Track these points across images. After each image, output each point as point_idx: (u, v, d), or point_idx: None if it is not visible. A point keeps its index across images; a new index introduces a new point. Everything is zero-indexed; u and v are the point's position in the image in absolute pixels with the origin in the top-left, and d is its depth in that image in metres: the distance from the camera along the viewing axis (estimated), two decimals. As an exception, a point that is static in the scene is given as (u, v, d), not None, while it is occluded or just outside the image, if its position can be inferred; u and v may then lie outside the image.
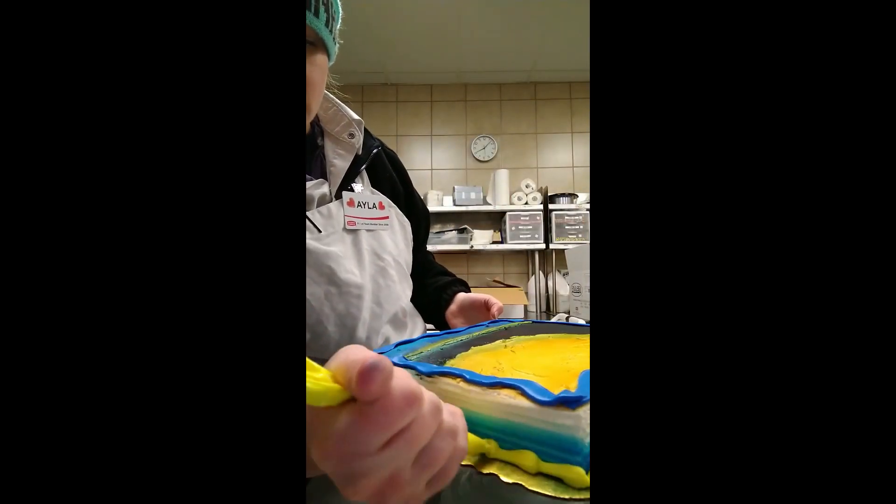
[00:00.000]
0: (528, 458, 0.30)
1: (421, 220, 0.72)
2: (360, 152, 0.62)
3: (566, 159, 3.06)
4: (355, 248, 0.59)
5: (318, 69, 0.49)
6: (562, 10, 2.29)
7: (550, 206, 2.71)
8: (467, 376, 0.33)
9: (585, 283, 1.93)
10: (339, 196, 0.60)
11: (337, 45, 0.52)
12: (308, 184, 0.57)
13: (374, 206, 0.62)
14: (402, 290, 0.65)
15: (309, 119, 0.54)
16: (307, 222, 0.55)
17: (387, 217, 0.63)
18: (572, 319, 1.90)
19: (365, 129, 0.64)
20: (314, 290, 0.54)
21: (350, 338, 0.58)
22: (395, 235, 0.65)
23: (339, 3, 0.51)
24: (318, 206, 0.57)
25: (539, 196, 2.80)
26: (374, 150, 0.64)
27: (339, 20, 0.52)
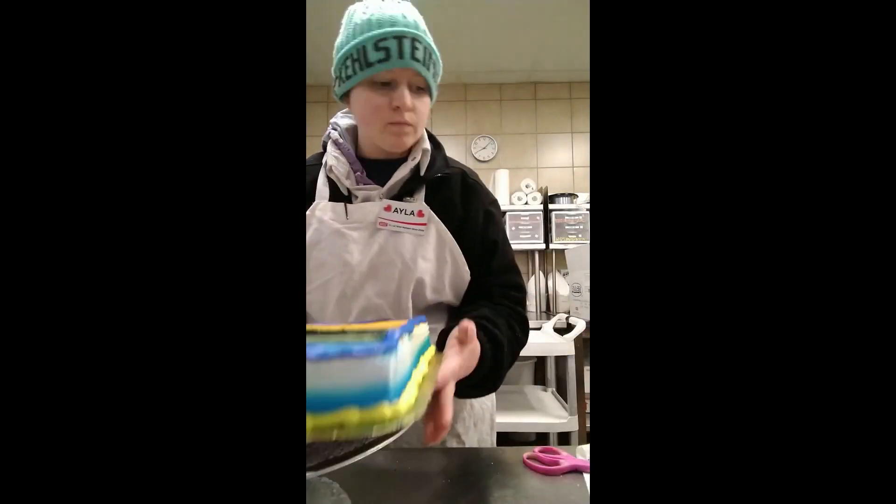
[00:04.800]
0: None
1: (476, 247, 0.76)
2: (424, 172, 0.73)
3: (566, 159, 3.06)
4: (370, 239, 0.70)
5: (426, 105, 0.69)
6: (562, 10, 2.29)
7: (550, 206, 2.71)
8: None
9: (585, 283, 1.93)
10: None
11: (436, 91, 0.72)
12: (366, 187, 0.72)
13: (412, 213, 0.71)
14: (398, 289, 0.69)
15: (416, 137, 0.71)
16: (341, 208, 0.70)
17: (423, 224, 0.71)
18: (572, 320, 1.90)
19: (445, 156, 0.77)
20: (318, 256, 0.69)
21: (327, 302, 0.70)
22: (425, 244, 0.71)
23: (440, 62, 0.70)
24: (361, 202, 0.71)
25: (539, 196, 2.80)
26: (439, 174, 0.74)
27: (440, 73, 0.71)
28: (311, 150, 0.77)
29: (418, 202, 0.72)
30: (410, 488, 0.50)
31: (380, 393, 0.31)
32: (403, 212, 0.70)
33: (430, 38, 0.66)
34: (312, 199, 0.73)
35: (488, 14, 2.30)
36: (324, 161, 0.74)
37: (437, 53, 0.68)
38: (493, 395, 0.82)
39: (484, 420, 0.79)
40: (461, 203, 0.75)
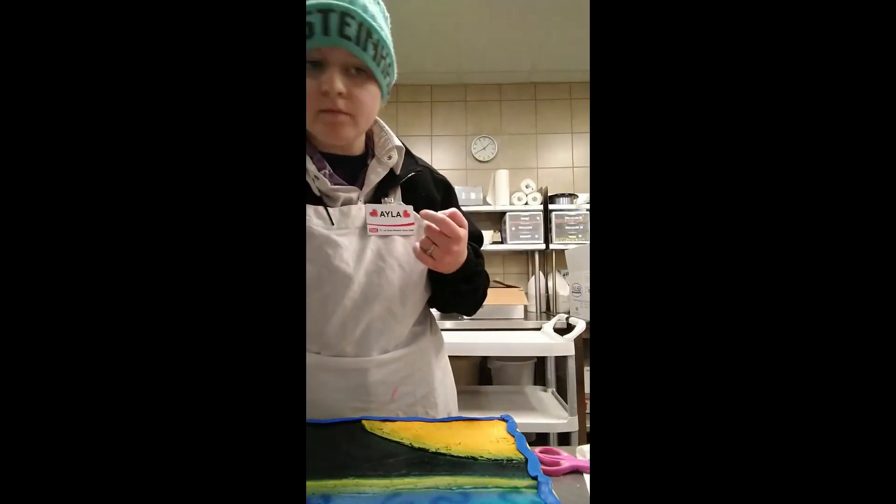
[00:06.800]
0: None
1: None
2: (399, 172, 0.71)
3: (566, 159, 3.06)
4: (361, 245, 0.66)
5: (369, 94, 0.61)
6: (562, 11, 2.29)
7: (550, 207, 2.71)
8: None
9: (585, 283, 1.93)
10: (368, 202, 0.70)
11: (388, 82, 0.65)
12: (342, 188, 0.67)
13: (399, 215, 0.69)
14: (402, 294, 0.68)
15: (356, 130, 0.65)
16: (324, 212, 0.65)
17: (411, 224, 0.69)
18: (572, 320, 1.90)
19: (410, 154, 0.75)
20: (309, 269, 0.63)
21: (326, 319, 0.65)
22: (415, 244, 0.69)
23: (392, 50, 0.62)
24: (341, 205, 0.67)
25: (539, 196, 2.80)
26: (413, 173, 0.72)
27: (391, 63, 0.64)
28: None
29: (398, 202, 0.70)
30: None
31: None
32: (389, 214, 0.68)
33: (372, 18, 0.57)
34: None
35: (488, 14, 2.30)
36: None
37: (383, 37, 0.59)
38: (451, 379, 0.82)
39: (448, 399, 0.79)
40: (441, 201, 0.76)
